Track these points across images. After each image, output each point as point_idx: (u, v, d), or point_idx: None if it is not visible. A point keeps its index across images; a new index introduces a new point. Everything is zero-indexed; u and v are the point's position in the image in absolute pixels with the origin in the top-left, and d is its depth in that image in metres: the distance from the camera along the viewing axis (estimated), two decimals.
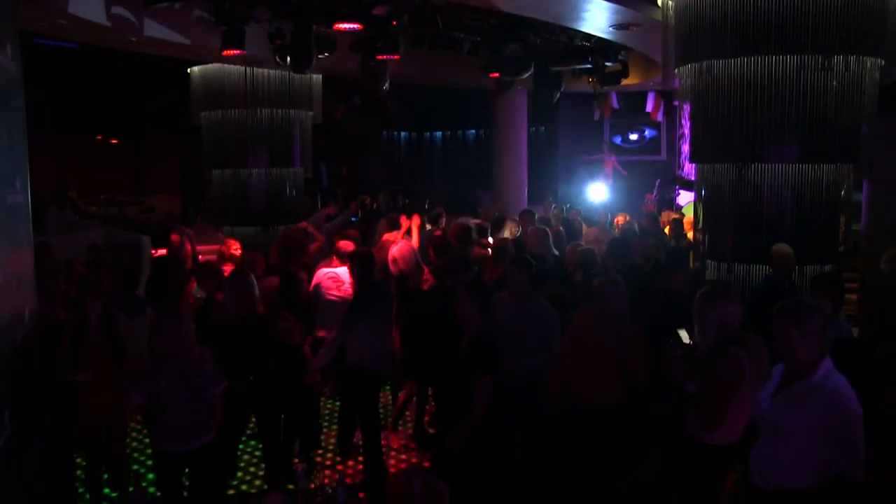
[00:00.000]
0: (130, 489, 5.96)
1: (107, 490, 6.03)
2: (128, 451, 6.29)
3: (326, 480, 6.27)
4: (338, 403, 7.29)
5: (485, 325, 5.30)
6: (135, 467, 6.42)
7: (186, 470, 4.99)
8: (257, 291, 5.92)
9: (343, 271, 7.15)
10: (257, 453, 6.90)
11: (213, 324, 6.08)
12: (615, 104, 17.67)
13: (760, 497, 3.59)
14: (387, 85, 10.53)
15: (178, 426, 4.83)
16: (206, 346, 5.08)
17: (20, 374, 3.53)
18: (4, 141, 3.21)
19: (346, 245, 7.36)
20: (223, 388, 4.99)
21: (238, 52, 9.05)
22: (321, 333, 6.97)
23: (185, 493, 5.04)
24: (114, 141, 24.14)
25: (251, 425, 6.84)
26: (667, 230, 11.52)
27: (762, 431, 3.60)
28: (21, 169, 3.54)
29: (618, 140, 19.02)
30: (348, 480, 6.31)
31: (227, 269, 7.19)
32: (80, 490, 6.02)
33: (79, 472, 6.10)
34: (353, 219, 13.07)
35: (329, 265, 7.44)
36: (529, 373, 5.73)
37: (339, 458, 6.86)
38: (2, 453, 2.98)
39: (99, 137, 23.77)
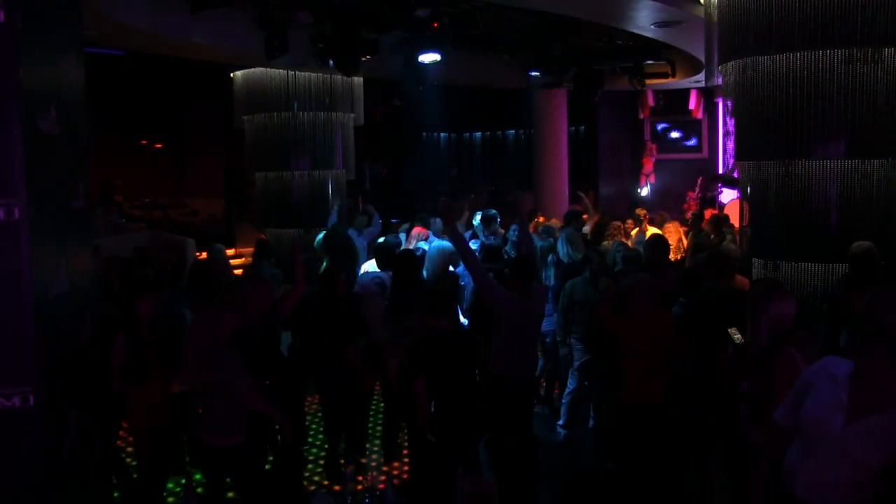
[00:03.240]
0: (178, 489, 6.13)
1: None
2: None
3: (374, 481, 6.30)
4: (382, 405, 7.33)
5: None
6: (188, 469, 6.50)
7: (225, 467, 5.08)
8: (275, 292, 5.93)
9: None
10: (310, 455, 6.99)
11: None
12: (651, 102, 17.61)
13: None
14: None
15: (206, 420, 4.93)
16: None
17: (84, 376, 3.63)
18: (70, 150, 3.31)
19: None
20: (248, 384, 4.88)
21: (281, 56, 9.16)
22: None
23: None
24: (157, 145, 24.50)
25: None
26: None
27: (822, 451, 3.24)
28: (84, 175, 3.64)
29: (661, 127, 18.79)
30: (396, 482, 6.35)
31: None
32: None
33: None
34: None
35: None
36: None
37: (383, 460, 6.90)
38: (70, 454, 3.07)
39: (143, 142, 24.14)
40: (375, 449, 7.14)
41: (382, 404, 7.21)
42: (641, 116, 18.24)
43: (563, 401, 7.50)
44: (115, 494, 5.90)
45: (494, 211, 10.11)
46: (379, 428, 7.23)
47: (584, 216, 10.13)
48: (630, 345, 5.45)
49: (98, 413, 4.12)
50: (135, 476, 5.95)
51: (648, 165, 17.90)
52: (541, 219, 11.41)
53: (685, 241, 10.75)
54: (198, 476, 6.23)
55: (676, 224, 11.49)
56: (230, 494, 5.23)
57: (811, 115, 6.87)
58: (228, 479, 5.10)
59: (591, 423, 7.40)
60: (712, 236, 9.94)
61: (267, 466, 6.21)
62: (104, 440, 4.34)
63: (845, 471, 3.19)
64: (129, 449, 6.73)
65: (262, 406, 4.98)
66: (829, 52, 6.76)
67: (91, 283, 4.04)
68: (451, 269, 7.53)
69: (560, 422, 7.49)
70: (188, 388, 5.22)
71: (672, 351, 5.44)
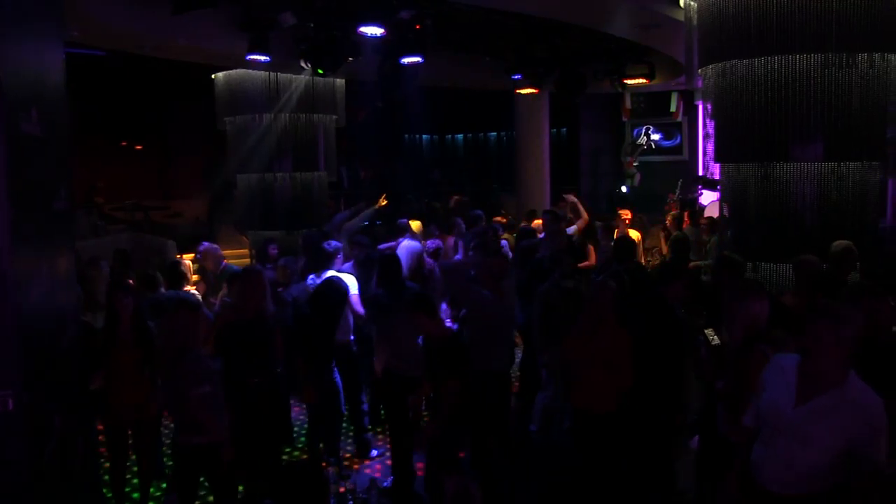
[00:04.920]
0: (159, 493, 6.12)
1: (127, 489, 6.14)
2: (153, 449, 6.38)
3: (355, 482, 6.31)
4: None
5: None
6: (168, 471, 6.50)
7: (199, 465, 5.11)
8: (268, 290, 5.94)
9: None
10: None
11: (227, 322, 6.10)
12: (628, 104, 17.76)
13: (772, 502, 3.47)
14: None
15: (176, 419, 5.06)
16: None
17: (66, 378, 3.63)
18: (53, 152, 3.31)
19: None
20: (196, 394, 4.88)
21: (263, 57, 9.16)
22: None
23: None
24: (138, 147, 24.38)
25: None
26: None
27: (781, 439, 3.42)
28: (66, 177, 3.64)
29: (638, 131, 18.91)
30: (377, 475, 6.38)
31: None
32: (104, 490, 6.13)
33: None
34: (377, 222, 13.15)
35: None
36: None
37: (366, 462, 6.92)
38: (52, 455, 3.08)
39: (123, 143, 24.00)
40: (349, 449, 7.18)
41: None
42: (625, 119, 18.36)
43: (536, 405, 7.36)
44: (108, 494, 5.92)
45: (480, 211, 10.19)
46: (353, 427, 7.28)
47: (570, 216, 10.21)
48: (581, 352, 5.43)
49: (79, 415, 4.11)
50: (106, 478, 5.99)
51: (630, 166, 18.00)
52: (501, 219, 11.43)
53: (664, 246, 10.84)
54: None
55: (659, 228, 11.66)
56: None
57: (789, 118, 6.97)
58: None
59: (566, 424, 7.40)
60: (705, 237, 10.06)
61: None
62: (85, 442, 4.33)
63: (803, 455, 3.35)
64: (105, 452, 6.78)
65: (205, 417, 4.94)
66: (806, 57, 6.86)
67: (73, 285, 4.04)
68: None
69: (532, 427, 7.35)
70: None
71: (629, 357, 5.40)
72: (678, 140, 18.52)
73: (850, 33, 6.72)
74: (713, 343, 4.78)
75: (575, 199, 10.34)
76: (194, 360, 4.93)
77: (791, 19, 6.78)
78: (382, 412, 7.13)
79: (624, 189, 17.61)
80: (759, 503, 3.55)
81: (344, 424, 7.20)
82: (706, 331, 5.02)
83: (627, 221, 11.23)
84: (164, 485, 6.31)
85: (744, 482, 3.63)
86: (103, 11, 8.39)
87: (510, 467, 6.09)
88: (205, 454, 4.97)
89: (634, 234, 10.19)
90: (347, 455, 7.04)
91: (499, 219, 10.33)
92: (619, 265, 7.29)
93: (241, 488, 5.55)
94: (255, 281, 5.84)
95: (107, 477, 6.06)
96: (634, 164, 17.81)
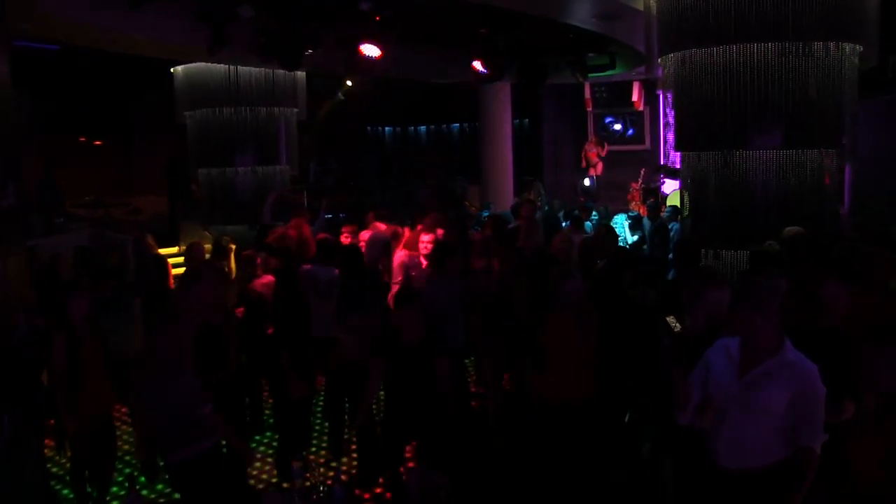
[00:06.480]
0: (122, 493, 6.03)
1: (89, 489, 6.03)
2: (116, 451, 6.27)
3: (322, 478, 6.26)
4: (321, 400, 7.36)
5: None
6: (127, 470, 6.38)
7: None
8: (226, 289, 5.86)
9: None
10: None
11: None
12: (588, 94, 17.83)
13: (731, 479, 3.59)
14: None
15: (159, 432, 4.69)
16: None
17: (16, 378, 3.56)
18: None
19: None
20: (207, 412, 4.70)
21: (222, 50, 9.05)
22: None
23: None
24: (97, 143, 24.02)
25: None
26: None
27: (730, 413, 3.57)
28: (14, 174, 3.56)
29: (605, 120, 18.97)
30: (344, 477, 6.32)
31: None
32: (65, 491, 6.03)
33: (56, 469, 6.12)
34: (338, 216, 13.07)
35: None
36: None
37: (331, 456, 6.88)
38: (3, 457, 3.01)
39: (82, 139, 23.64)
40: (324, 445, 7.12)
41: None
42: (588, 109, 18.41)
43: None
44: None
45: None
46: (327, 424, 7.21)
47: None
48: (555, 342, 5.42)
49: (30, 415, 4.03)
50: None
51: (593, 156, 18.03)
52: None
53: (628, 235, 10.91)
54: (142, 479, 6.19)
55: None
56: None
57: (748, 107, 7.04)
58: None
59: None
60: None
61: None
62: (38, 443, 4.24)
63: (751, 426, 3.52)
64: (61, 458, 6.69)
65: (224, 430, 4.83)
66: (763, 46, 6.93)
67: (24, 284, 3.96)
68: None
69: None
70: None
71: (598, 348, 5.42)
72: (635, 132, 18.64)
73: (806, 23, 6.79)
74: (675, 330, 4.82)
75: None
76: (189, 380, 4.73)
77: (748, 8, 6.84)
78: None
79: (587, 182, 17.66)
80: (715, 482, 3.66)
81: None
82: (667, 318, 5.07)
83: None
84: (124, 493, 6.17)
85: (700, 464, 3.74)
86: (56, 4, 8.22)
87: (479, 454, 6.08)
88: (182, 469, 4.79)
89: None
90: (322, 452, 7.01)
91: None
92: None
93: None
94: (212, 278, 5.79)
95: (68, 477, 5.97)
96: (601, 155, 17.82)
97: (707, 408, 3.69)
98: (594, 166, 17.82)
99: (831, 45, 6.96)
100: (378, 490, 5.97)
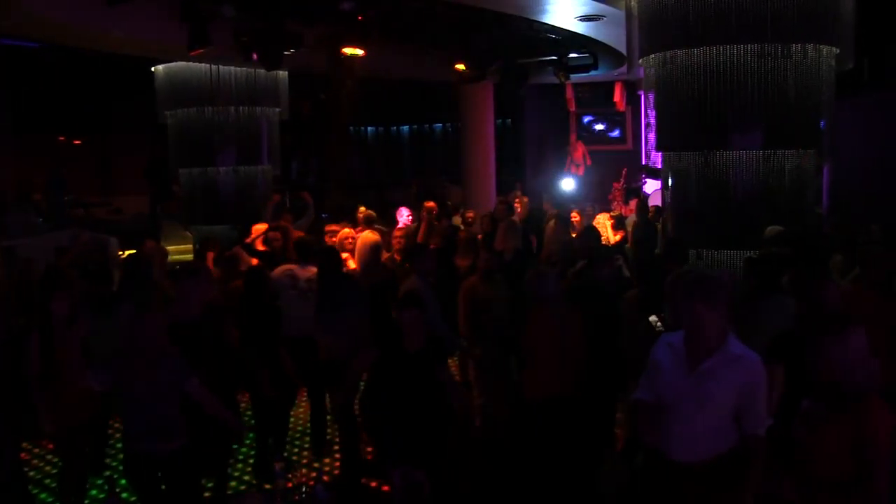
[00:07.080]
0: (102, 496, 5.98)
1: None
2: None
3: (304, 479, 6.24)
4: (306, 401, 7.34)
5: None
6: (107, 473, 6.32)
7: (160, 474, 4.86)
8: (212, 288, 5.78)
9: None
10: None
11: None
12: (570, 94, 17.87)
13: (683, 472, 3.65)
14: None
15: (142, 426, 4.69)
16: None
17: None
18: None
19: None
20: (194, 386, 4.74)
21: (203, 50, 8.99)
22: None
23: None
24: (76, 142, 23.85)
25: None
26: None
27: (682, 408, 3.61)
28: None
29: (586, 120, 19.03)
30: (326, 478, 6.32)
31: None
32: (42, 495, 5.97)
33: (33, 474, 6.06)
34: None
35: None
36: None
37: (314, 457, 6.86)
38: None
39: (62, 138, 23.46)
40: (306, 446, 7.11)
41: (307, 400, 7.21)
42: (571, 109, 18.45)
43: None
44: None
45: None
46: (309, 425, 7.19)
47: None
48: (534, 339, 5.47)
49: (8, 420, 4.00)
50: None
51: (577, 155, 18.07)
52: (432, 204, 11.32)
53: (611, 235, 10.94)
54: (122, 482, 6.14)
55: (606, 215, 11.79)
56: None
57: (728, 108, 7.09)
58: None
59: None
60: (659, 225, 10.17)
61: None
62: (12, 450, 4.19)
63: (701, 418, 3.59)
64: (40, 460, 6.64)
65: (213, 403, 4.83)
66: (743, 47, 6.99)
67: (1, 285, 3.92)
68: None
69: None
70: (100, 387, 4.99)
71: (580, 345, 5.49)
72: (619, 132, 18.71)
73: (785, 24, 6.85)
74: (658, 330, 4.85)
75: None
76: (174, 354, 4.76)
77: (728, 9, 6.89)
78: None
79: (567, 185, 17.68)
80: (667, 477, 3.72)
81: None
82: (651, 318, 5.10)
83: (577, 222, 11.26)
84: (104, 495, 6.12)
85: (653, 460, 3.80)
86: (35, 1, 8.15)
87: (463, 455, 6.09)
88: (168, 461, 4.72)
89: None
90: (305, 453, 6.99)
91: (430, 204, 10.20)
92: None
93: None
94: (200, 277, 5.74)
95: (47, 481, 5.93)
96: (586, 155, 17.85)
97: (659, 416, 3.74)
98: (578, 166, 17.87)
99: (809, 47, 7.03)
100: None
